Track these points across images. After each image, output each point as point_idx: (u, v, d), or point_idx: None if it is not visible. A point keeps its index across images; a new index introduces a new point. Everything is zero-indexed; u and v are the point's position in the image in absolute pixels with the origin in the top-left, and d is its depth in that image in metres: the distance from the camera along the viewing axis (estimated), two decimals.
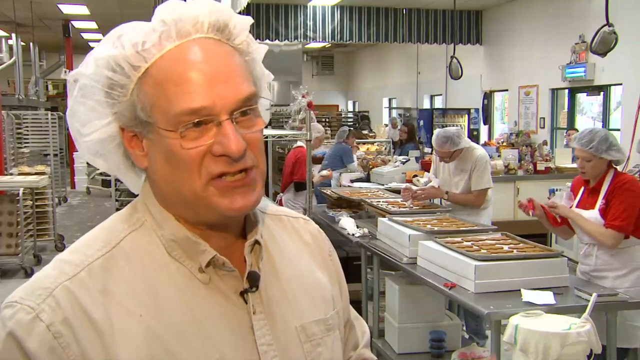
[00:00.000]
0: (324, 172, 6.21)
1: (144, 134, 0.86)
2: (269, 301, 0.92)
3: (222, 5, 0.90)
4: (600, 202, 3.24)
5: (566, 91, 10.93)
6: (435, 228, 3.62)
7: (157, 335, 0.81)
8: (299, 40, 12.47)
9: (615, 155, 3.27)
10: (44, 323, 0.78)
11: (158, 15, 0.86)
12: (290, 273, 0.97)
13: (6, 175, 7.63)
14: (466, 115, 13.39)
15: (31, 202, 7.39)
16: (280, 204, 6.39)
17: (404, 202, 4.62)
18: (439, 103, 16.18)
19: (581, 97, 11.14)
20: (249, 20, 0.92)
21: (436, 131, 4.68)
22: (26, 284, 0.84)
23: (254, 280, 0.90)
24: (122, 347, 0.79)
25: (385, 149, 10.42)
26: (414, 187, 4.76)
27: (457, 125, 12.33)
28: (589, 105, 12.23)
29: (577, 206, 3.41)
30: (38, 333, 0.78)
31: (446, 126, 9.52)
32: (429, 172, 5.69)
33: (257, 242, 0.93)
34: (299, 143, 6.39)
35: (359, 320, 1.16)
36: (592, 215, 3.27)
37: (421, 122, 13.62)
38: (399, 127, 12.23)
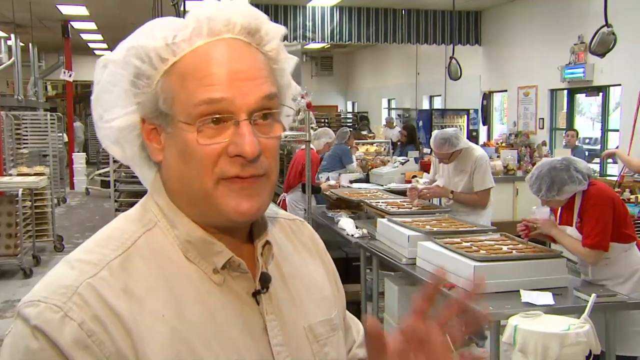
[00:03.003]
0: (332, 182, 6.22)
1: (163, 127, 0.87)
2: (278, 302, 0.92)
3: (258, 10, 0.90)
4: (575, 219, 3.18)
5: (565, 92, 10.94)
6: (435, 229, 3.63)
7: (180, 334, 0.81)
8: (298, 40, 12.47)
9: (569, 189, 3.11)
10: (75, 322, 0.76)
11: (192, 12, 0.87)
12: (293, 274, 0.98)
13: (5, 176, 7.62)
14: (465, 116, 13.40)
15: (30, 203, 7.38)
16: (284, 204, 6.38)
17: (411, 201, 4.63)
18: (438, 104, 16.19)
19: (580, 97, 11.16)
20: (282, 29, 0.93)
21: (434, 133, 4.68)
22: (42, 284, 0.82)
23: (265, 281, 0.90)
24: (149, 345, 0.79)
25: (385, 149, 10.41)
26: (420, 186, 4.76)
27: (456, 126, 12.34)
28: (588, 106, 12.25)
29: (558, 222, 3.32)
30: (70, 332, 0.76)
31: (445, 127, 9.53)
32: (428, 172, 5.70)
33: (267, 242, 0.93)
34: (311, 145, 6.38)
35: (354, 320, 1.17)
36: (570, 232, 3.20)
37: (420, 123, 13.63)
38: (396, 127, 12.22)
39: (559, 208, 3.32)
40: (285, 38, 0.94)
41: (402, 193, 5.88)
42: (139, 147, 0.92)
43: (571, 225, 3.22)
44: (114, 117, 0.89)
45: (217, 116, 0.82)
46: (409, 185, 5.47)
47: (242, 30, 0.88)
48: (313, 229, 1.13)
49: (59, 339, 0.75)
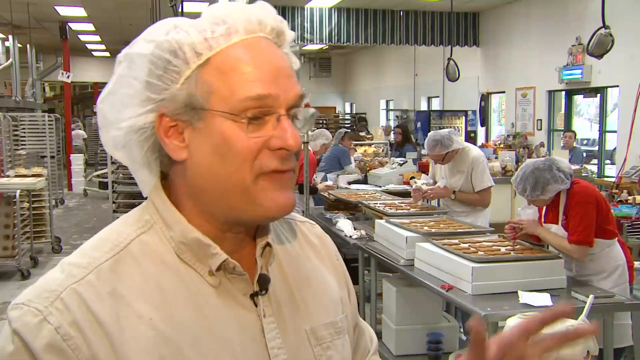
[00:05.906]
0: (329, 183, 6.23)
1: (190, 122, 0.85)
2: (278, 304, 0.91)
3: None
4: (561, 217, 3.26)
5: (563, 93, 10.96)
6: (433, 230, 3.63)
7: (167, 338, 0.81)
8: (297, 42, 12.47)
9: (552, 188, 3.18)
10: (52, 325, 0.78)
11: (224, 12, 0.86)
12: (298, 276, 0.97)
13: (3, 177, 7.61)
14: (463, 117, 13.41)
15: (28, 204, 7.36)
16: None
17: (415, 202, 4.64)
18: (436, 105, 16.21)
19: (578, 98, 11.18)
20: (293, 34, 0.96)
21: (429, 134, 4.69)
22: (33, 286, 0.83)
23: (264, 283, 0.89)
24: (131, 350, 0.79)
25: (383, 151, 10.41)
26: (424, 187, 4.76)
27: (454, 127, 12.35)
28: (585, 107, 12.27)
29: (544, 221, 3.40)
30: (46, 335, 0.77)
31: (444, 128, 9.53)
32: (426, 174, 5.70)
33: (268, 244, 0.92)
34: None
35: (366, 326, 1.16)
36: (556, 230, 3.27)
37: (418, 124, 13.63)
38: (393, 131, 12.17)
39: (544, 207, 3.41)
40: None
41: (400, 194, 5.89)
42: (147, 151, 0.90)
43: (557, 223, 3.29)
44: (130, 115, 0.87)
45: (262, 110, 0.82)
46: (407, 187, 5.47)
47: (271, 31, 0.89)
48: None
49: (33, 343, 0.77)
